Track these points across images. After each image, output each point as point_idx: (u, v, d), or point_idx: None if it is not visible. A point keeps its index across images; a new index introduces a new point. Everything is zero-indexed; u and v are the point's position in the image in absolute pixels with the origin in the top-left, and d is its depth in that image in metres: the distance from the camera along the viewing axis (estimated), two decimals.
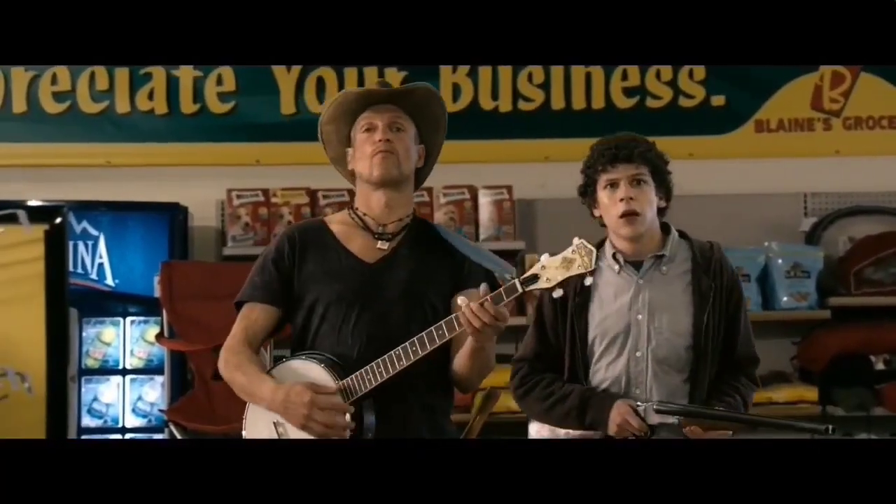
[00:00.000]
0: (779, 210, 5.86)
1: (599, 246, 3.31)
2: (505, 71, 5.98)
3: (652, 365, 3.20)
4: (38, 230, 5.16)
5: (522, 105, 5.99)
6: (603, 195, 3.26)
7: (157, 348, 5.49)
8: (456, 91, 5.90)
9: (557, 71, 5.97)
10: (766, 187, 5.84)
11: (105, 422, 5.60)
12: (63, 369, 5.17)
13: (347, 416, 2.82)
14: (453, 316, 2.77)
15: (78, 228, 5.58)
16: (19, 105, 5.94)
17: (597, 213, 3.31)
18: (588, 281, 2.71)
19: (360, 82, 5.84)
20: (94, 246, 5.63)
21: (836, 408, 5.50)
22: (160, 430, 5.42)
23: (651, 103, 5.98)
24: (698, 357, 3.19)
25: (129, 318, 5.65)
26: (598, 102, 5.98)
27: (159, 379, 5.53)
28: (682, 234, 3.34)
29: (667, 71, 5.97)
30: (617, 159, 3.23)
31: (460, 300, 2.76)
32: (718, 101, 5.99)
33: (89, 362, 5.60)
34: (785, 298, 5.57)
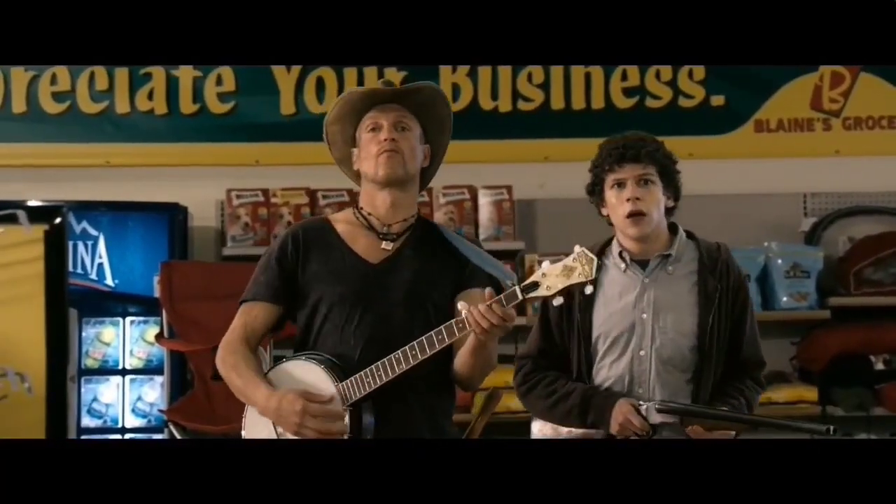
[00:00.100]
0: (778, 210, 5.86)
1: (607, 244, 3.31)
2: (504, 71, 5.98)
3: (655, 364, 3.19)
4: (38, 230, 5.16)
5: (522, 105, 5.99)
6: (610, 194, 3.26)
7: (156, 348, 5.49)
8: (455, 91, 5.90)
9: (557, 71, 5.97)
10: (765, 187, 5.84)
11: (105, 422, 5.60)
12: (63, 369, 5.17)
13: (346, 421, 2.82)
14: (453, 321, 2.77)
15: (77, 228, 5.57)
16: (19, 105, 5.94)
17: (604, 212, 3.31)
18: (588, 289, 2.70)
19: (360, 82, 5.84)
20: (94, 246, 5.63)
21: (835, 408, 5.50)
22: (160, 431, 5.42)
23: (651, 103, 5.98)
24: (702, 358, 3.19)
25: (128, 319, 5.65)
26: (598, 102, 5.98)
27: (159, 379, 5.53)
28: (689, 235, 3.34)
29: (666, 71, 5.97)
30: (624, 159, 3.22)
31: (461, 305, 2.75)
32: (718, 101, 5.99)
33: (89, 362, 5.60)
34: (785, 298, 5.57)
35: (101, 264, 5.62)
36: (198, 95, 5.96)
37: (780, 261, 5.59)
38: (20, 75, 5.93)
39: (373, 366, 2.82)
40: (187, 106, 5.96)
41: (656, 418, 3.08)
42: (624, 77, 5.98)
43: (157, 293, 5.32)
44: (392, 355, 2.81)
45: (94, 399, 5.60)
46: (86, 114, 5.95)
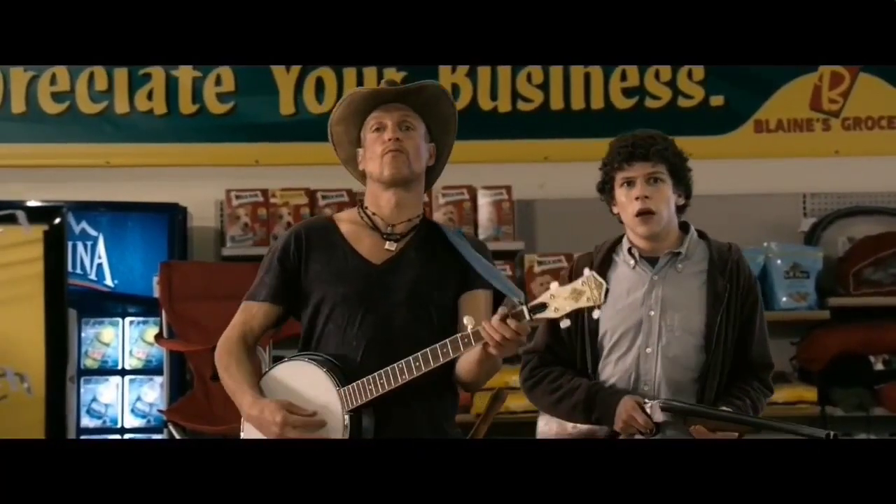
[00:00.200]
0: (778, 210, 5.86)
1: (617, 242, 3.32)
2: (504, 71, 5.98)
3: (662, 362, 3.18)
4: (38, 230, 5.16)
5: (521, 105, 5.99)
6: (620, 193, 3.26)
7: (156, 349, 5.49)
8: (455, 91, 5.89)
9: (556, 71, 5.97)
10: (765, 187, 5.84)
11: (104, 422, 5.60)
12: (62, 370, 5.17)
13: (346, 422, 2.82)
14: (459, 336, 2.74)
15: (77, 229, 5.57)
16: (18, 105, 5.94)
17: (615, 210, 3.31)
18: (596, 314, 2.69)
19: (360, 82, 5.84)
20: (94, 246, 5.62)
21: (835, 408, 5.50)
22: (159, 431, 5.42)
23: (650, 103, 5.98)
24: (709, 357, 3.18)
25: (128, 319, 5.65)
26: (598, 103, 5.98)
27: (158, 379, 5.53)
28: (701, 234, 3.34)
29: (666, 71, 5.98)
30: (633, 157, 3.22)
31: (466, 319, 2.74)
32: (717, 101, 5.99)
33: (88, 363, 5.60)
34: (784, 299, 5.57)
35: (100, 264, 5.62)
36: (197, 95, 5.96)
37: (779, 261, 5.59)
38: (19, 75, 5.93)
39: (375, 374, 2.81)
40: (187, 106, 5.96)
41: (660, 416, 3.08)
42: (623, 77, 5.98)
43: (156, 293, 5.32)
44: (395, 365, 2.79)
45: (94, 399, 5.60)
46: (85, 114, 5.95)
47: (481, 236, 5.60)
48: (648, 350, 3.20)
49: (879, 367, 5.67)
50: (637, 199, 3.21)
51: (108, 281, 5.63)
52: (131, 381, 5.64)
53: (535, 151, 5.95)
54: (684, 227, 3.32)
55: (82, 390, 5.54)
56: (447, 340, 2.76)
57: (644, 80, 5.98)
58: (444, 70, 5.91)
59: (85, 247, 5.62)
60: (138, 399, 5.62)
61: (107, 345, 5.63)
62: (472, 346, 2.74)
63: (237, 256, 5.60)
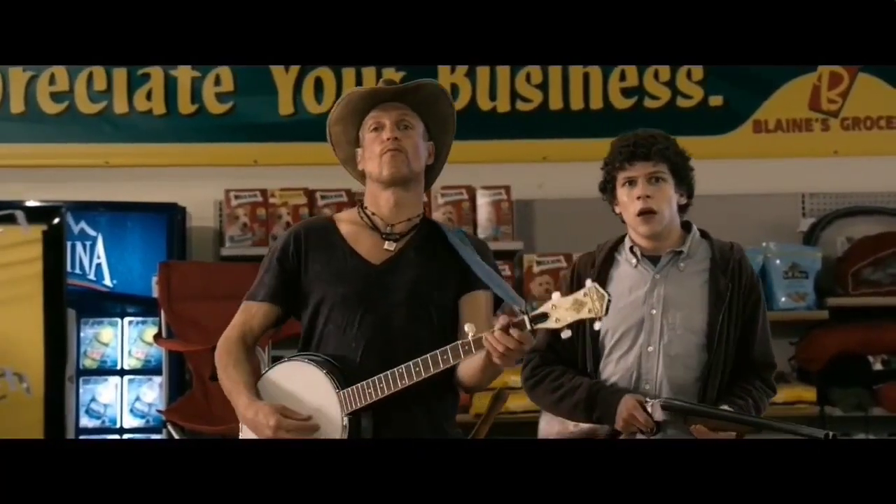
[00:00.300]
0: (777, 210, 5.86)
1: (619, 241, 3.32)
2: (503, 71, 5.98)
3: (663, 361, 3.18)
4: (37, 230, 5.16)
5: (520, 105, 5.99)
6: (622, 192, 3.26)
7: (155, 349, 5.49)
8: (454, 91, 5.89)
9: (555, 71, 5.98)
10: (764, 187, 5.84)
11: (103, 422, 5.60)
12: (61, 370, 5.17)
13: (345, 423, 2.82)
14: (459, 343, 2.73)
15: (76, 229, 5.57)
16: (17, 105, 5.94)
17: (617, 209, 3.31)
18: (597, 326, 2.69)
19: (359, 82, 5.84)
20: (93, 246, 5.62)
21: (834, 408, 5.50)
22: (158, 431, 5.42)
23: (649, 104, 5.98)
24: (711, 356, 3.18)
25: (127, 319, 5.65)
26: (597, 103, 5.98)
27: (157, 379, 5.53)
28: (703, 234, 3.34)
29: (665, 71, 5.98)
30: (635, 157, 3.22)
31: (468, 327, 2.73)
32: (716, 101, 5.99)
33: (87, 363, 5.60)
34: (783, 299, 5.58)
35: (99, 264, 5.62)
36: (196, 96, 5.96)
37: (778, 261, 5.59)
38: (18, 75, 5.93)
39: (375, 378, 2.81)
40: (186, 106, 5.96)
41: (661, 415, 3.08)
42: (622, 77, 5.98)
43: (155, 293, 5.32)
44: (395, 370, 2.79)
45: (93, 399, 5.60)
46: (84, 114, 5.95)
47: (480, 236, 5.60)
48: (650, 349, 3.20)
49: (878, 367, 5.68)
50: (638, 198, 3.21)
51: (107, 281, 5.63)
52: (130, 381, 5.64)
53: (533, 151, 5.95)
54: (686, 227, 3.32)
55: (81, 390, 5.54)
56: (447, 347, 2.75)
57: (643, 80, 5.98)
58: (443, 70, 5.91)
59: (84, 247, 5.62)
60: (137, 399, 5.62)
61: (106, 345, 5.63)
62: (472, 353, 2.73)
63: (236, 256, 5.60)
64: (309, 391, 2.88)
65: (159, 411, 5.29)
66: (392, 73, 5.76)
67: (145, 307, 5.53)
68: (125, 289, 5.64)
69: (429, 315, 2.91)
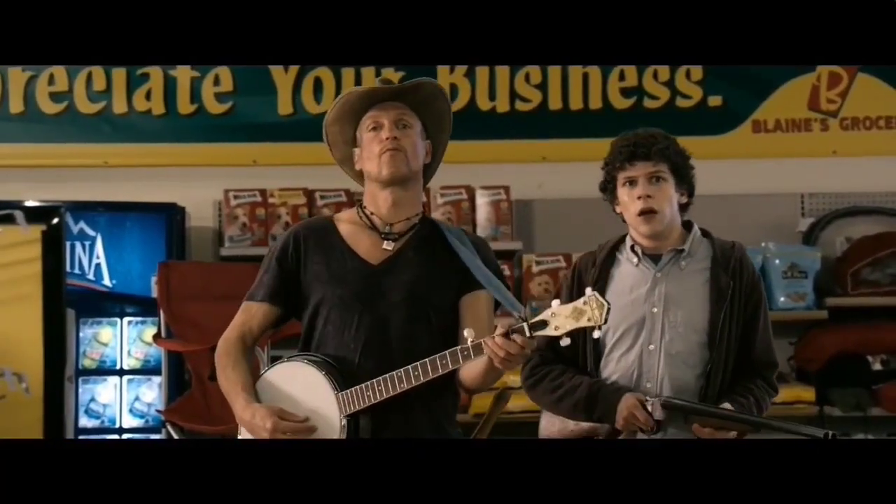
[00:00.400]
0: (776, 210, 5.86)
1: (620, 241, 3.32)
2: (502, 71, 5.98)
3: (664, 359, 3.18)
4: (36, 230, 5.16)
5: (520, 105, 5.99)
6: (622, 192, 3.26)
7: (154, 349, 5.48)
8: (453, 91, 5.89)
9: (555, 71, 5.98)
10: (763, 188, 5.85)
11: (102, 422, 5.60)
12: (60, 370, 5.17)
13: (343, 423, 2.82)
14: (458, 348, 2.73)
15: (75, 229, 5.57)
16: (16, 105, 5.94)
17: (618, 209, 3.31)
18: (596, 334, 2.69)
19: (358, 82, 5.84)
20: (92, 246, 5.62)
21: (833, 408, 5.50)
22: (157, 431, 5.42)
23: (648, 104, 5.98)
24: (712, 354, 3.17)
25: (126, 319, 5.65)
26: (596, 103, 5.99)
27: (156, 379, 5.53)
28: (704, 233, 3.34)
29: (664, 71, 5.98)
30: (635, 156, 3.22)
31: (466, 332, 2.73)
32: (716, 101, 5.99)
33: (86, 363, 5.60)
34: (782, 299, 5.58)
35: (98, 264, 5.62)
36: (195, 95, 5.96)
37: (777, 261, 5.59)
38: (18, 75, 5.93)
39: (374, 380, 2.80)
40: (185, 106, 5.96)
41: (661, 414, 3.07)
42: (622, 77, 5.98)
43: (154, 293, 5.32)
44: (394, 373, 2.78)
45: (92, 399, 5.60)
46: (83, 114, 5.95)
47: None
48: (651, 347, 3.19)
49: (877, 367, 5.68)
50: (639, 198, 3.21)
51: (107, 281, 5.63)
52: (129, 381, 5.63)
53: (533, 151, 5.95)
54: (687, 226, 3.32)
55: (80, 390, 5.54)
56: (446, 353, 2.75)
57: (642, 80, 5.99)
58: (442, 70, 5.91)
59: (83, 247, 5.62)
60: (136, 399, 5.62)
61: (105, 345, 5.63)
62: (471, 359, 2.72)
63: (235, 256, 5.60)
64: (307, 392, 2.88)
65: (158, 411, 5.29)
66: (390, 73, 5.75)
67: (144, 307, 5.52)
68: (124, 289, 5.64)
69: (427, 316, 2.90)
